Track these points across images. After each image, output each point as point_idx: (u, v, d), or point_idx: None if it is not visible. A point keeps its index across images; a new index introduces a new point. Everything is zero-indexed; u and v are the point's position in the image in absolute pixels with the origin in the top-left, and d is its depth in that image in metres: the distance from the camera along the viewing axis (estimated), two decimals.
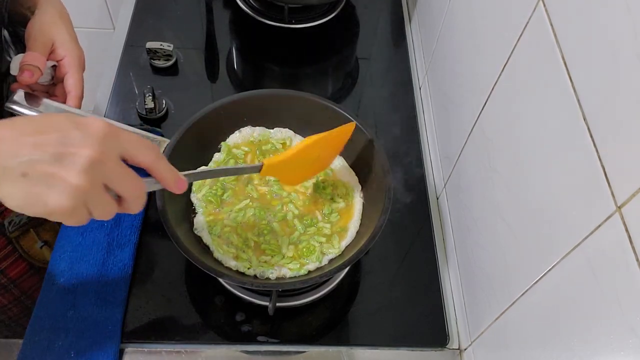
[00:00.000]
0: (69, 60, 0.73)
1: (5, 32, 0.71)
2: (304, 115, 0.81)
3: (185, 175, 0.55)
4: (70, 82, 0.73)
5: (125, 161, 0.49)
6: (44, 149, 0.44)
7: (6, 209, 0.79)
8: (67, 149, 0.45)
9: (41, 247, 0.87)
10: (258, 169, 0.66)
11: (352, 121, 0.76)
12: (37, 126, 0.46)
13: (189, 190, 0.77)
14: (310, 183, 0.78)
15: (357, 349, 0.76)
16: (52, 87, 0.76)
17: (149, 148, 0.50)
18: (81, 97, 0.74)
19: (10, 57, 0.73)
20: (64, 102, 0.74)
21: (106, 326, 0.71)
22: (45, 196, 0.45)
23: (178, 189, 0.54)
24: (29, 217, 0.84)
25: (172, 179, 0.53)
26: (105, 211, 0.48)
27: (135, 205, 0.50)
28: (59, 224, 0.80)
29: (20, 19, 0.77)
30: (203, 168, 0.70)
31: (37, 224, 0.87)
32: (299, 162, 0.70)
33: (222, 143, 0.80)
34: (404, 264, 0.84)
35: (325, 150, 0.74)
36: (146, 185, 0.51)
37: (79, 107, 0.75)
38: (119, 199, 0.49)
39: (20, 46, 0.79)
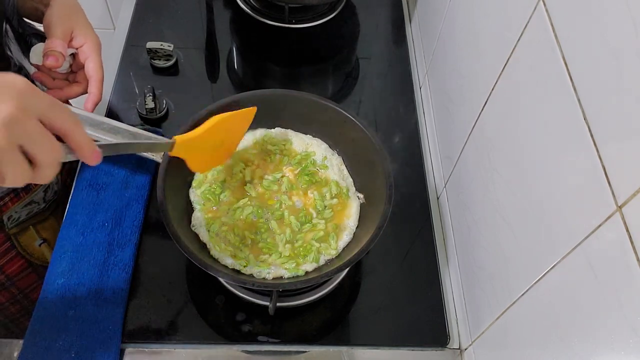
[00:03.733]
0: (89, 45, 0.75)
1: (7, 26, 0.71)
2: (305, 115, 0.81)
3: (99, 146, 0.51)
4: (92, 67, 0.75)
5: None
6: None
7: (5, 203, 0.80)
8: None
9: (40, 245, 0.88)
10: (170, 146, 0.65)
11: (353, 121, 0.77)
12: None
13: (188, 186, 0.77)
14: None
15: (357, 348, 0.76)
16: (71, 75, 0.78)
17: (69, 114, 0.47)
18: (102, 81, 0.75)
19: (11, 52, 0.74)
20: (86, 88, 0.76)
21: (107, 326, 0.71)
22: None
23: (93, 160, 0.50)
24: (28, 214, 0.84)
25: (89, 149, 0.49)
26: (17, 174, 0.45)
27: (48, 172, 0.47)
28: (59, 222, 0.80)
29: (31, 12, 0.79)
30: (118, 140, 0.69)
31: (37, 221, 0.87)
32: (207, 143, 0.69)
33: None
34: (404, 264, 0.84)
35: (230, 133, 0.74)
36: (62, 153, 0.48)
37: (101, 91, 0.76)
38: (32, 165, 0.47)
39: (23, 42, 0.79)
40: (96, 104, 0.77)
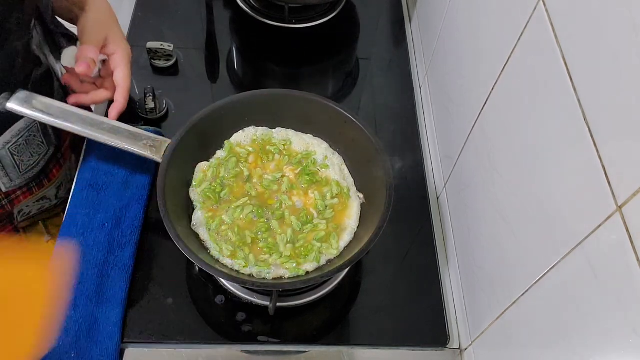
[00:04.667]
0: (120, 55, 0.78)
1: (36, 22, 0.73)
2: (305, 115, 0.81)
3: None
4: (120, 76, 0.77)
5: None
6: None
7: (17, 196, 0.80)
8: None
9: (47, 242, 0.88)
10: None
11: (353, 121, 0.77)
12: None
13: (188, 185, 0.77)
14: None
15: (357, 348, 0.76)
16: (99, 80, 0.80)
17: None
18: (129, 90, 0.78)
19: (36, 47, 0.74)
20: (112, 95, 0.79)
21: (106, 326, 0.71)
22: None
23: None
24: (39, 209, 0.85)
25: None
26: None
27: None
28: None
29: (64, 12, 0.80)
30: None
31: (47, 217, 0.87)
32: None
33: (226, 141, 0.80)
34: (404, 264, 0.84)
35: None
36: None
37: (127, 99, 0.79)
38: None
39: (52, 42, 0.80)
40: (120, 113, 0.79)
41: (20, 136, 0.75)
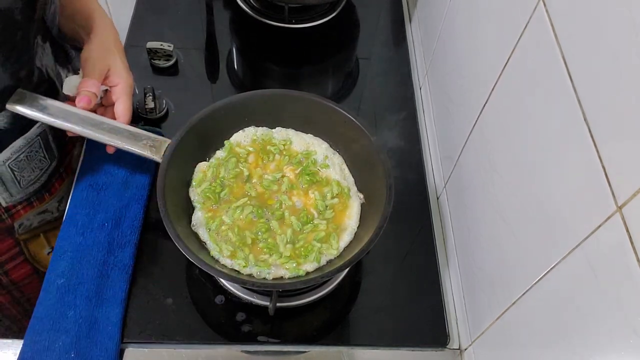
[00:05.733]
0: (122, 87, 0.77)
1: (39, 36, 0.72)
2: (305, 115, 0.81)
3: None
4: (121, 109, 0.76)
5: None
6: None
7: (17, 211, 0.80)
8: None
9: (48, 254, 0.87)
10: None
11: (353, 121, 0.77)
12: None
13: (188, 185, 0.77)
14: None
15: (357, 349, 0.76)
16: (100, 108, 0.79)
17: None
18: (129, 122, 0.77)
19: (42, 66, 0.74)
20: None
21: (106, 326, 0.71)
22: None
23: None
24: (40, 221, 0.84)
25: None
26: None
27: None
28: None
29: (70, 33, 0.79)
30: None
31: (48, 229, 0.86)
32: None
33: (226, 141, 0.80)
34: (404, 264, 0.84)
35: None
36: None
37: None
38: None
39: (62, 53, 0.80)
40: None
41: (21, 152, 0.74)
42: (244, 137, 0.81)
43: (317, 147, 0.81)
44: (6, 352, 0.72)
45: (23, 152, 0.75)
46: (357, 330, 0.78)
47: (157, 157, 0.73)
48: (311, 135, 0.83)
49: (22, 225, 0.82)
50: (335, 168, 0.80)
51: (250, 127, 0.82)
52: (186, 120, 0.76)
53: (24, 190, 0.79)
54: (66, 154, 0.86)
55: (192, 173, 0.78)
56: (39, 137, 0.76)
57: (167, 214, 0.67)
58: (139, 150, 0.74)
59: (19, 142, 0.74)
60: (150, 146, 0.74)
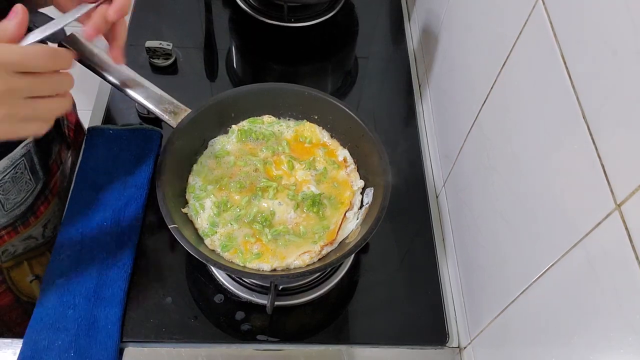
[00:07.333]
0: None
1: None
2: (307, 110, 0.83)
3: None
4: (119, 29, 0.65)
5: None
6: None
7: (1, 236, 0.78)
8: None
9: (31, 282, 0.85)
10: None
11: (355, 120, 0.77)
12: None
13: (187, 177, 0.77)
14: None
15: (356, 347, 0.76)
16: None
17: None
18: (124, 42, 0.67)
19: None
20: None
21: (106, 326, 0.71)
22: None
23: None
24: (25, 248, 0.82)
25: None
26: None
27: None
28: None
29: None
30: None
31: (32, 256, 0.84)
32: None
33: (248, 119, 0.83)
34: (403, 263, 0.84)
35: None
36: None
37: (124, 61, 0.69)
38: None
39: None
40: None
41: (5, 173, 0.72)
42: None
43: (337, 148, 0.82)
44: (6, 351, 0.72)
45: (8, 174, 0.73)
46: (356, 329, 0.78)
47: (173, 122, 0.74)
48: (327, 134, 0.84)
49: (6, 251, 0.80)
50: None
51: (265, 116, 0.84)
52: (185, 120, 0.76)
53: (8, 214, 0.76)
54: (52, 176, 0.83)
55: (191, 171, 0.78)
56: (23, 158, 0.74)
57: (165, 200, 0.68)
58: (159, 112, 0.75)
59: (3, 163, 0.71)
60: (170, 111, 0.75)
